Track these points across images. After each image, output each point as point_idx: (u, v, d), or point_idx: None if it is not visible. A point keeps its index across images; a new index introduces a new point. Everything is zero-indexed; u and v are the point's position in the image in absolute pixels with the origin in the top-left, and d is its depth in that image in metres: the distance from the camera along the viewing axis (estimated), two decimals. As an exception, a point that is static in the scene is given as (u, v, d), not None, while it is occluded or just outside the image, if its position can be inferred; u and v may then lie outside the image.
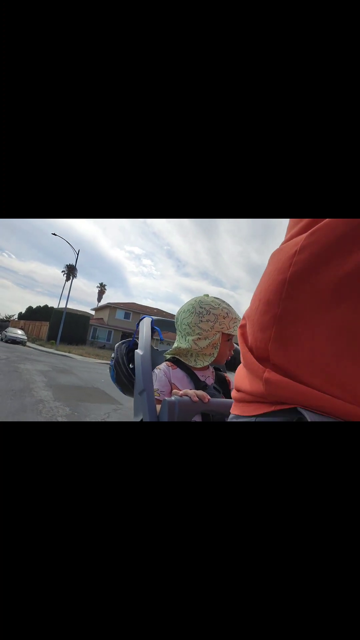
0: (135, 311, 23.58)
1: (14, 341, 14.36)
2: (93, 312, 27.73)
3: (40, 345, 16.64)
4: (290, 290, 0.29)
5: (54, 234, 16.20)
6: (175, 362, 0.82)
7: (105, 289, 51.05)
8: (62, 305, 24.47)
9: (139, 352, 0.75)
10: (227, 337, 0.82)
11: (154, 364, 0.81)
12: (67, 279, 49.49)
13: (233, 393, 0.39)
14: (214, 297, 0.82)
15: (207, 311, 0.77)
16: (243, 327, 0.37)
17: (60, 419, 3.05)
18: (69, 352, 13.75)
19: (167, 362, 0.83)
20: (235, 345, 0.84)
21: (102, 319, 24.73)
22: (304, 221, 0.30)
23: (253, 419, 0.33)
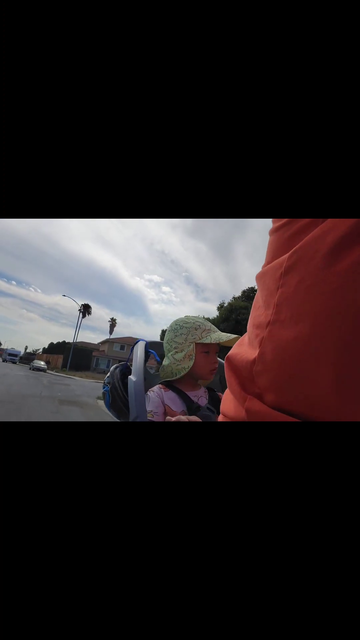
0: (128, 344, 30.78)
1: (38, 369, 21.56)
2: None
3: (56, 371, 23.98)
4: (277, 314, 0.29)
5: (64, 295, 24.07)
6: (167, 384, 0.82)
7: (116, 323, 59.22)
8: (79, 337, 32.36)
9: (132, 378, 0.76)
10: (204, 349, 0.81)
11: (151, 387, 0.82)
12: (83, 316, 58.39)
13: (220, 417, 0.39)
14: (192, 316, 0.85)
15: (181, 326, 0.81)
16: (231, 355, 0.37)
17: (44, 395, 9.77)
18: (73, 376, 20.83)
19: (160, 384, 0.83)
20: (220, 360, 0.84)
21: (103, 350, 32.18)
22: (284, 237, 0.30)
23: None
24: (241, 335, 0.58)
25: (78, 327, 29.40)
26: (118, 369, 0.90)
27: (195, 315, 0.94)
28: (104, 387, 0.89)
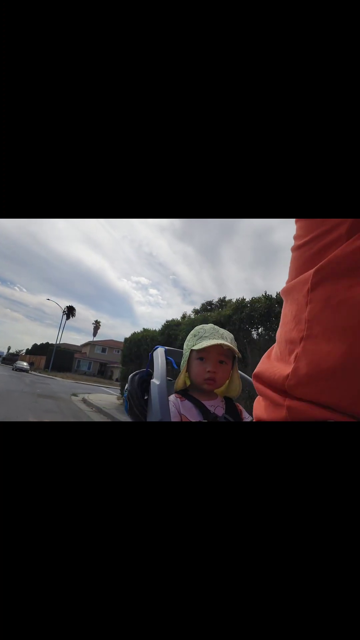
0: (110, 347, 31.93)
1: (21, 369, 22.36)
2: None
3: (39, 372, 24.84)
4: (309, 329, 0.29)
5: (48, 299, 25.05)
6: (183, 393, 0.81)
7: (100, 325, 59.93)
8: (63, 338, 33.20)
9: (155, 381, 0.74)
10: (197, 355, 0.79)
11: (169, 394, 0.78)
12: (67, 318, 58.89)
13: None
14: (209, 324, 0.82)
15: (190, 334, 0.81)
16: (259, 371, 0.37)
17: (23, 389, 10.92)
18: (55, 376, 21.81)
19: (175, 394, 0.82)
20: (208, 371, 0.76)
21: (85, 353, 33.16)
22: (308, 253, 0.31)
23: None
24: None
25: (61, 329, 30.28)
26: (137, 375, 0.90)
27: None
28: (124, 395, 0.90)
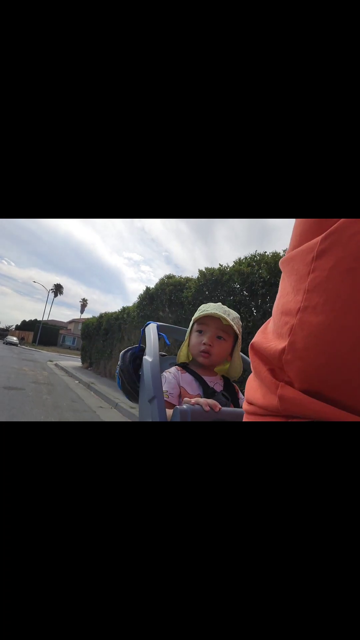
0: (93, 324, 35.40)
1: (11, 343, 25.57)
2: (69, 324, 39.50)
3: (27, 346, 28.14)
4: (308, 300, 0.28)
5: (34, 282, 27.98)
6: (184, 366, 0.84)
7: (87, 303, 62.85)
8: (53, 314, 36.53)
9: (147, 358, 0.75)
10: (197, 327, 0.82)
11: (160, 370, 0.80)
12: (55, 296, 61.60)
13: (244, 405, 0.38)
14: (222, 304, 0.84)
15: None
16: (256, 342, 0.35)
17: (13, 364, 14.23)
18: (41, 350, 25.16)
19: (176, 366, 0.84)
20: (203, 343, 0.80)
21: (70, 329, 36.48)
22: (311, 219, 0.29)
23: None
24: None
25: (49, 307, 33.59)
26: (129, 352, 0.90)
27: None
28: (116, 371, 0.92)
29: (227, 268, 3.77)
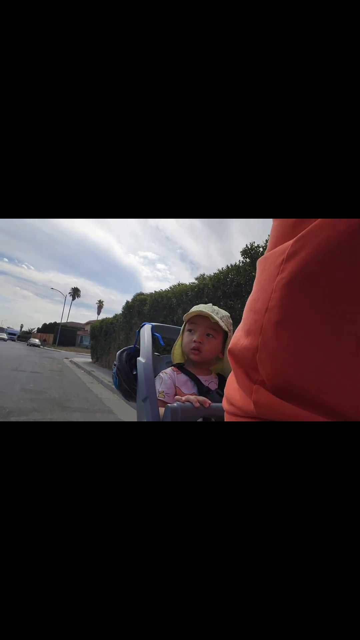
0: (107, 325, 38.38)
1: (33, 345, 28.72)
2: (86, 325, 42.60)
3: (48, 347, 31.30)
4: (277, 299, 0.28)
5: (52, 289, 31.04)
6: (179, 367, 0.86)
7: (103, 304, 66.20)
8: (73, 316, 39.88)
9: (141, 359, 0.77)
10: (187, 327, 0.85)
11: (156, 370, 0.83)
12: (73, 299, 65.28)
13: (224, 403, 0.38)
14: (212, 305, 0.87)
15: None
16: (231, 346, 0.36)
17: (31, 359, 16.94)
18: (60, 350, 28.17)
19: (172, 367, 0.87)
20: (194, 341, 0.83)
21: (87, 330, 39.50)
22: (289, 222, 0.29)
23: None
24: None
25: (68, 309, 36.86)
26: (125, 352, 0.93)
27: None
28: (112, 370, 0.94)
29: (191, 286, 5.91)
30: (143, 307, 6.96)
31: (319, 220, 0.26)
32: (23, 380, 5.42)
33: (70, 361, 13.53)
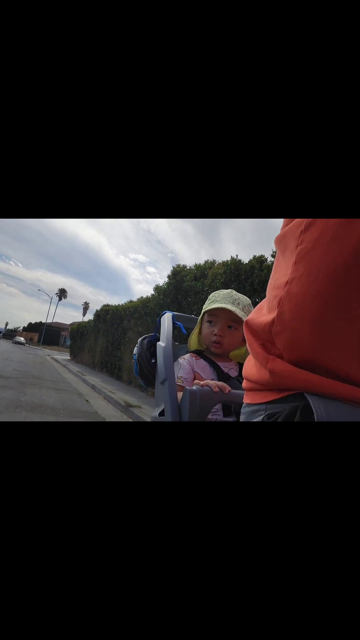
0: (90, 326, 40.50)
1: (19, 343, 30.35)
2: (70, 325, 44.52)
3: (33, 345, 33.13)
4: (295, 271, 0.28)
5: (39, 290, 32.93)
6: (198, 353, 0.85)
7: (89, 306, 67.90)
8: (60, 316, 41.68)
9: (161, 344, 0.78)
10: (207, 318, 0.83)
11: (176, 358, 0.83)
12: (60, 299, 66.76)
13: (244, 383, 0.39)
14: (231, 291, 0.85)
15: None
16: (249, 319, 0.36)
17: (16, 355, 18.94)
18: (44, 348, 30.07)
19: (191, 353, 0.86)
20: (215, 334, 0.82)
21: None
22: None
23: (264, 407, 0.33)
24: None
25: (55, 308, 38.91)
26: (146, 339, 0.93)
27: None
28: (133, 357, 0.93)
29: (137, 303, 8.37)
30: (107, 316, 9.29)
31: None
32: (13, 365, 7.68)
33: (51, 357, 15.69)
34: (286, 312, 0.29)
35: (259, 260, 3.62)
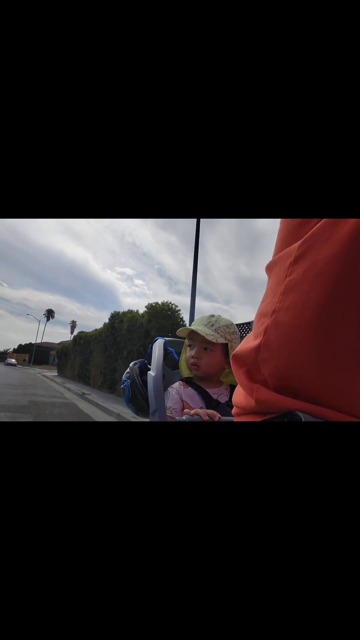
0: (77, 344, 43.46)
1: (10, 364, 33.06)
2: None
3: (24, 365, 35.93)
4: (283, 301, 0.29)
5: (28, 315, 36.09)
6: (187, 381, 0.85)
7: (76, 324, 70.60)
8: (49, 334, 44.48)
9: (151, 373, 0.79)
10: (188, 342, 0.85)
11: (171, 384, 0.84)
12: (47, 319, 69.35)
13: (233, 409, 0.39)
14: (212, 315, 0.86)
15: None
16: (237, 350, 0.37)
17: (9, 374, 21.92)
18: (35, 367, 32.92)
19: (180, 381, 0.85)
20: (191, 357, 0.83)
21: (59, 350, 44.50)
22: (294, 222, 0.30)
23: None
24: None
25: (44, 328, 41.95)
26: (137, 365, 0.90)
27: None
28: (123, 383, 0.89)
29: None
30: (81, 340, 12.62)
31: (323, 220, 0.27)
32: (14, 380, 10.99)
33: (42, 375, 18.87)
34: (273, 340, 0.30)
35: (168, 306, 6.03)
